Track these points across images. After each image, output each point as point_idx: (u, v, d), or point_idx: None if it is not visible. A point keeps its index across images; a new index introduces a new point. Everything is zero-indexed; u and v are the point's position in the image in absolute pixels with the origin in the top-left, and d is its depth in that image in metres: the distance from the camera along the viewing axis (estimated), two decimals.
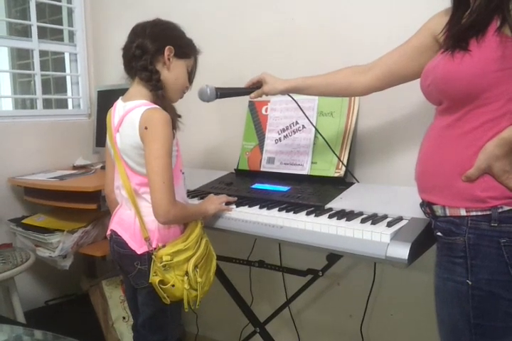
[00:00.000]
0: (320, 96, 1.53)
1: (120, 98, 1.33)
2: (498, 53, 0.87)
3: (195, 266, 1.27)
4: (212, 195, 1.44)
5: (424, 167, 1.03)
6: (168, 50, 1.27)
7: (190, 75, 1.37)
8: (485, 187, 0.92)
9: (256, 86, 1.43)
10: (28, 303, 2.07)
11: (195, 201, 1.48)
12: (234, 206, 1.40)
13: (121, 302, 2.03)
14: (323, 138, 1.55)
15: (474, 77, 0.90)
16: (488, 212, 0.91)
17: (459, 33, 0.94)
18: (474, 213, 0.93)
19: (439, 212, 1.00)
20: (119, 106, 1.30)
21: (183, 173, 1.35)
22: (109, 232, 1.36)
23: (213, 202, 1.37)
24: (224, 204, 1.39)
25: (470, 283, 0.92)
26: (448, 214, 0.97)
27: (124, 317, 2.01)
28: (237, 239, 1.78)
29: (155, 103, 1.25)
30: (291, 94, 1.48)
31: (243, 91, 1.45)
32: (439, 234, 1.00)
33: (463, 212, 0.94)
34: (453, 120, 0.96)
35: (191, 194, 1.56)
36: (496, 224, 0.90)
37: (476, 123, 0.92)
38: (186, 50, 1.33)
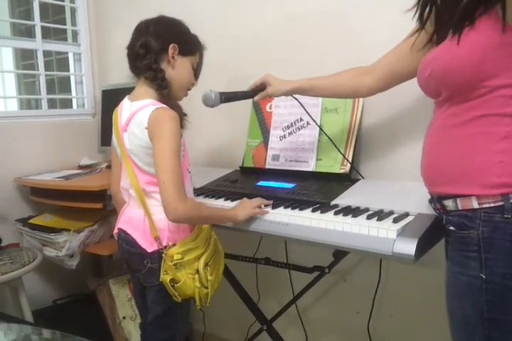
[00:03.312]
0: (323, 97, 1.53)
1: (127, 97, 1.32)
2: (496, 41, 0.86)
3: (206, 264, 1.28)
4: (245, 198, 1.38)
5: (430, 160, 1.02)
6: (172, 48, 1.26)
7: (196, 71, 1.36)
8: (501, 173, 0.89)
9: (260, 88, 1.41)
10: (35, 303, 2.08)
11: (230, 203, 1.40)
12: (270, 209, 1.32)
13: (128, 300, 2.03)
14: (327, 135, 1.55)
15: (473, 66, 0.89)
16: (500, 203, 0.89)
17: (454, 23, 0.93)
18: (487, 205, 0.91)
19: (450, 206, 0.98)
20: (126, 106, 1.30)
21: (189, 172, 1.34)
22: (116, 231, 1.36)
23: (245, 207, 1.30)
24: (258, 207, 1.32)
25: (484, 277, 0.91)
26: (460, 207, 0.96)
27: (131, 316, 2.02)
28: (243, 237, 1.78)
29: (161, 102, 1.24)
30: (295, 96, 1.46)
31: (247, 94, 1.44)
32: (451, 228, 0.99)
33: (475, 205, 0.92)
34: (454, 110, 0.95)
35: (197, 192, 1.55)
36: (509, 216, 0.88)
37: (478, 113, 0.91)
38: (191, 46, 1.32)
